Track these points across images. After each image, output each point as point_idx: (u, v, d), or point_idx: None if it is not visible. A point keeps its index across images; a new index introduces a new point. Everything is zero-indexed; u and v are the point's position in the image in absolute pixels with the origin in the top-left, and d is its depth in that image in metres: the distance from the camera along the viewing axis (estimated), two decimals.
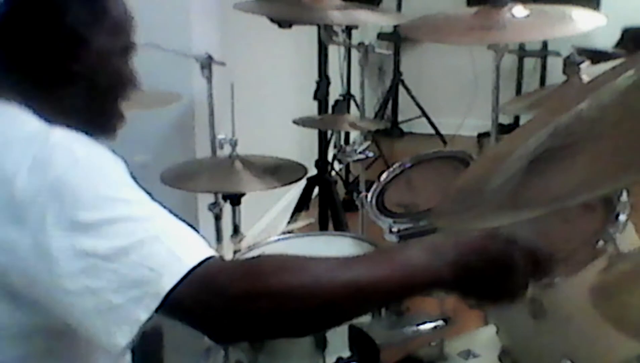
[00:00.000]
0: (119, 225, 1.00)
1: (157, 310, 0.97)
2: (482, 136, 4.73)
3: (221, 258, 1.03)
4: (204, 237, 1.05)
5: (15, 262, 1.00)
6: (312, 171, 3.17)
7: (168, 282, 0.96)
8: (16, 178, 1.00)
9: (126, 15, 1.21)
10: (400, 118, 5.24)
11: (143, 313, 0.97)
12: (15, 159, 1.02)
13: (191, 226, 1.06)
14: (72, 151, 1.04)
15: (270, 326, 1.00)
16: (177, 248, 0.99)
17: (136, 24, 1.23)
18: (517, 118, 4.56)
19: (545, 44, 4.83)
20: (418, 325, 1.71)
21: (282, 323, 1.00)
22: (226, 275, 0.99)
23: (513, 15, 2.12)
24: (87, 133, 1.15)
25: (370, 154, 2.51)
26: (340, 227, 3.05)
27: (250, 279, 0.98)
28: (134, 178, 1.08)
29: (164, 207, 1.06)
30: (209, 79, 2.32)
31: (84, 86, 1.16)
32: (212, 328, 1.01)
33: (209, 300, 0.97)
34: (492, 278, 1.07)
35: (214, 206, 2.38)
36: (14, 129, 1.07)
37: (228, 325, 0.99)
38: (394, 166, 2.06)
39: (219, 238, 2.40)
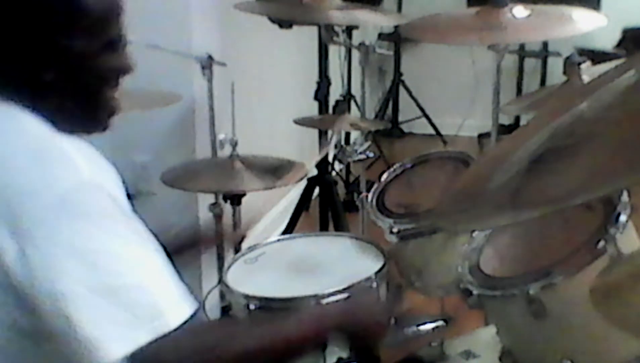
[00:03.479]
0: (111, 261, 1.04)
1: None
2: (483, 137, 4.73)
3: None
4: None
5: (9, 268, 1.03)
6: (313, 172, 3.17)
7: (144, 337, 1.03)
8: (23, 193, 1.02)
9: (109, 9, 1.15)
10: (400, 118, 5.24)
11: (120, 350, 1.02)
12: (21, 172, 1.04)
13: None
14: (77, 169, 1.05)
15: None
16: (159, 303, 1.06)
17: (124, 13, 1.17)
18: (517, 119, 4.56)
19: (545, 45, 4.83)
20: (418, 325, 1.71)
21: None
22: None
23: (513, 16, 2.12)
24: (81, 130, 1.16)
25: (371, 155, 2.50)
26: (341, 227, 3.05)
27: None
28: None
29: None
30: (210, 80, 2.32)
31: (67, 90, 1.14)
32: None
33: None
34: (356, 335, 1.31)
35: (214, 206, 2.38)
36: (16, 136, 1.08)
37: None
38: (395, 167, 2.06)
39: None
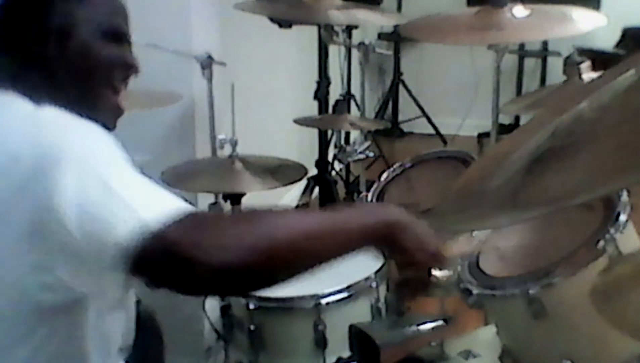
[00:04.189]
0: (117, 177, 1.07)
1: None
2: (482, 136, 4.73)
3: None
4: None
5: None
6: (313, 171, 3.17)
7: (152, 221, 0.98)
8: (19, 158, 1.01)
9: (111, 2, 1.19)
10: (400, 118, 5.24)
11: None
12: (15, 142, 1.03)
13: None
14: (62, 123, 1.05)
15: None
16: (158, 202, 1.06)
17: (128, 12, 1.21)
18: (517, 118, 4.57)
19: (545, 44, 4.83)
20: (418, 325, 1.71)
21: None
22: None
23: (513, 16, 2.12)
24: None
25: (371, 154, 2.51)
26: None
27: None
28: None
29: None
30: (209, 79, 2.32)
31: (66, 79, 1.15)
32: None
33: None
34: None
35: (214, 206, 2.38)
36: (8, 114, 1.08)
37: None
38: (395, 166, 2.07)
39: None
